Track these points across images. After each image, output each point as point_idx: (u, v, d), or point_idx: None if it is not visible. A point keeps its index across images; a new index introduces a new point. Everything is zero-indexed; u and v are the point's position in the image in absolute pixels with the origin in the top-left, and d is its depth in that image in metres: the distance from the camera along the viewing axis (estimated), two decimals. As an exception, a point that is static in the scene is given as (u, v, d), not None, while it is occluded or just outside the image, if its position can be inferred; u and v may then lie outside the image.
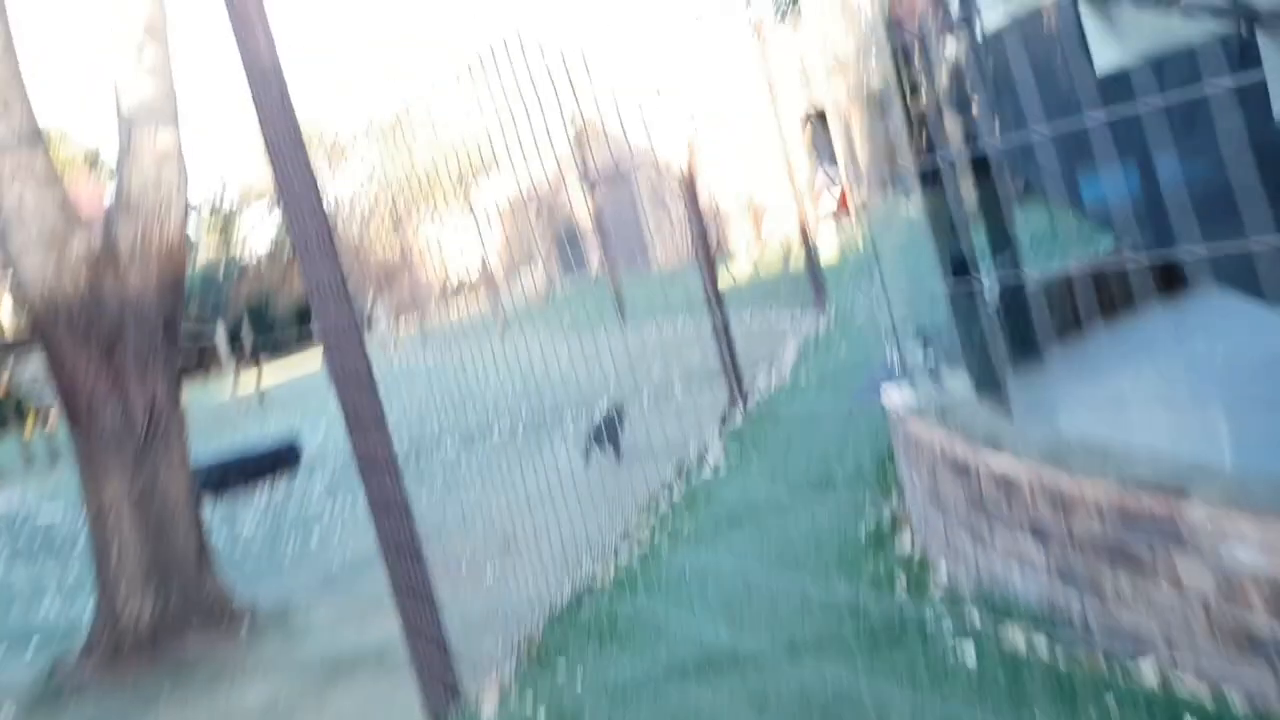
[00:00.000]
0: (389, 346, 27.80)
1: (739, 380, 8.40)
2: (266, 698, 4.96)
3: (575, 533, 5.84)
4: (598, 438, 8.02)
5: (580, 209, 29.72)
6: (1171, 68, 3.40)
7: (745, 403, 8.26)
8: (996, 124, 4.38)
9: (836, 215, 24.60)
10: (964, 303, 4.46)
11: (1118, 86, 3.38)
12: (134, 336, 5.96)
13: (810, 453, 6.50)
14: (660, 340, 12.55)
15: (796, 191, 13.80)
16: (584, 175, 22.01)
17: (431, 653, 3.95)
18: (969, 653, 3.20)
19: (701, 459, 7.02)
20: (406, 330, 28.92)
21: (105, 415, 5.83)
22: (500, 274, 28.53)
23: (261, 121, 3.61)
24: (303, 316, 33.54)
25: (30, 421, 22.75)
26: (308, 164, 3.56)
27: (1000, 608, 3.34)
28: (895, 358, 4.80)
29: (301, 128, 3.61)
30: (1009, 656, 3.11)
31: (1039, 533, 3.07)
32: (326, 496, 9.58)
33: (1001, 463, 3.20)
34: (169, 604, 5.79)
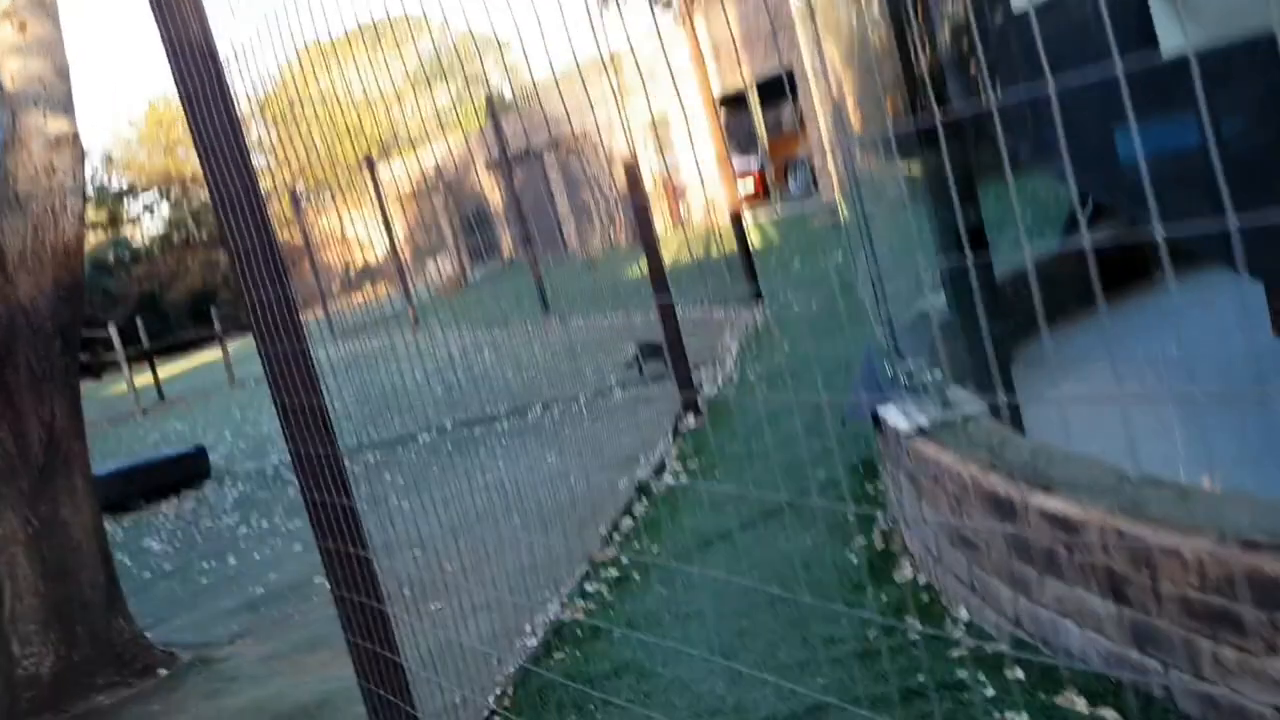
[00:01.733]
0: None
1: (689, 381, 7.96)
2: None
3: (534, 556, 5.36)
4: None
5: (492, 192, 29.04)
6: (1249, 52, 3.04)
7: (696, 406, 7.83)
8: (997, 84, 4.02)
9: (751, 200, 24.30)
10: (966, 297, 4.09)
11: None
12: (26, 350, 5.29)
13: (777, 465, 6.10)
14: (591, 335, 12.06)
15: (722, 173, 13.40)
16: (497, 156, 21.37)
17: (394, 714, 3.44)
18: (1022, 722, 2.82)
19: (660, 471, 6.56)
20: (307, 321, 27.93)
21: (-5, 441, 5.16)
22: (407, 261, 27.72)
23: (186, 96, 3.03)
24: (198, 309, 32.19)
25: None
26: (237, 130, 2.99)
27: (1048, 669, 2.95)
28: (887, 364, 4.41)
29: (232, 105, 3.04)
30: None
31: (1110, 587, 2.69)
32: (241, 511, 8.90)
33: (1057, 504, 2.81)
34: (74, 653, 5.15)
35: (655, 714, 3.47)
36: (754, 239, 18.68)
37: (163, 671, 5.33)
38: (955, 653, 3.28)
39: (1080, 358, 4.61)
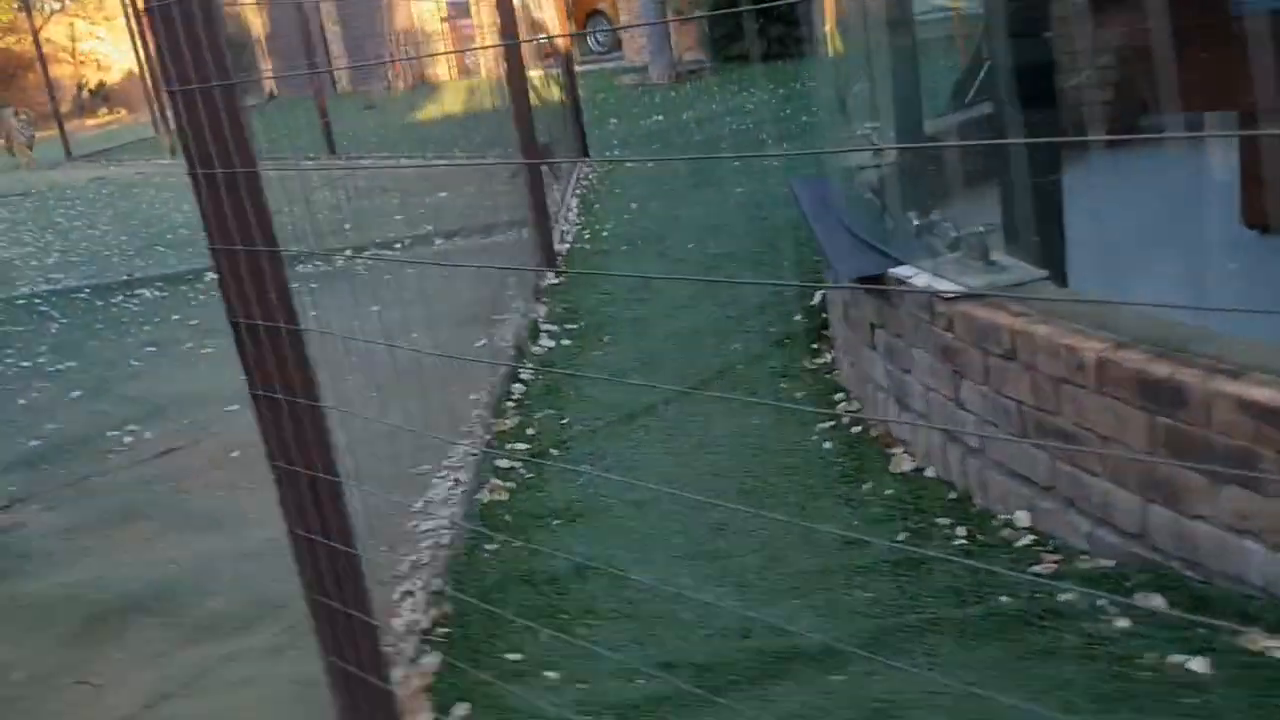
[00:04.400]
0: (27, 157, 23.62)
1: (548, 238, 7.08)
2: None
3: (405, 421, 4.45)
4: None
5: (255, 18, 26.36)
6: None
7: (554, 263, 6.98)
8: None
9: (547, 55, 23.01)
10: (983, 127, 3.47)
11: None
12: None
13: (674, 332, 5.40)
14: (406, 178, 10.84)
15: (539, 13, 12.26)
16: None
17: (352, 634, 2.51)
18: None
19: (535, 333, 5.71)
20: (39, 140, 24.70)
21: None
22: (151, 82, 24.84)
23: None
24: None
25: None
26: None
27: (1201, 598, 2.40)
28: (889, 217, 3.76)
29: None
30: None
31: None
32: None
33: (1264, 394, 2.23)
34: None
35: (653, 637, 2.75)
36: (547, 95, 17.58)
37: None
38: (1037, 568, 2.73)
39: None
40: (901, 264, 3.44)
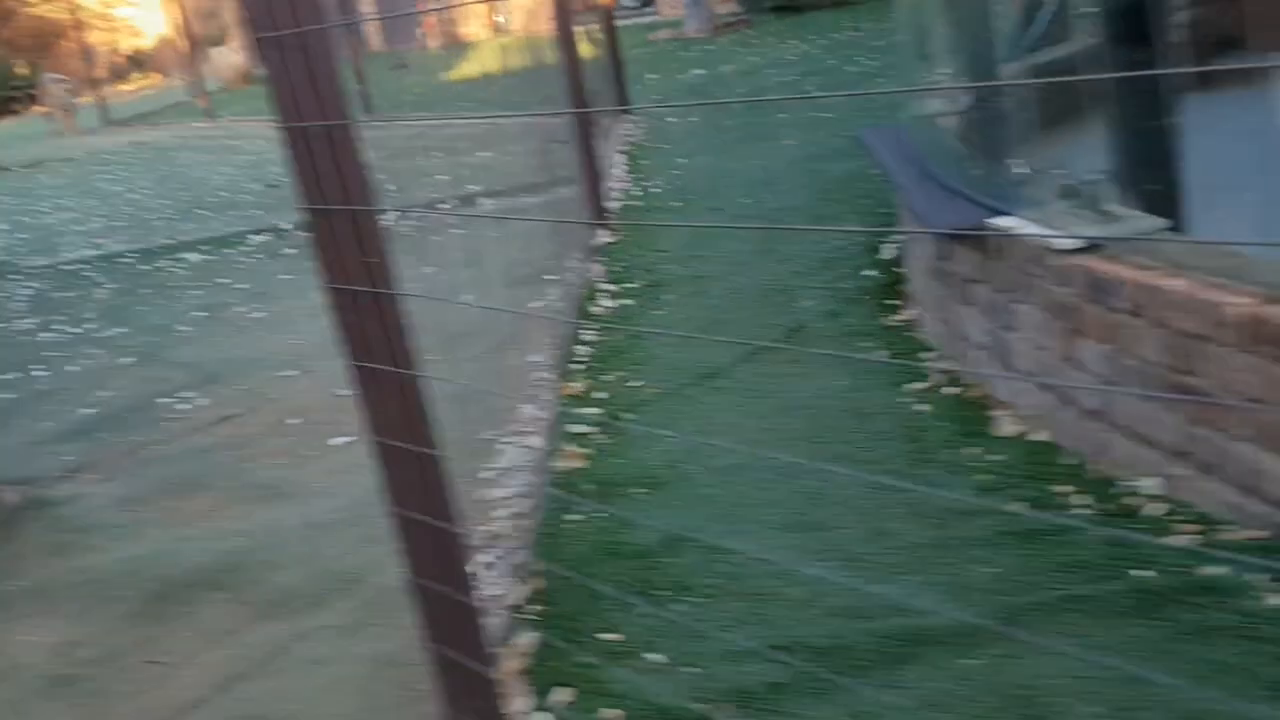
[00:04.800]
0: (69, 122, 23.56)
1: (598, 196, 6.87)
2: (58, 643, 3.19)
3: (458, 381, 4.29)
4: None
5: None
6: None
7: (606, 220, 6.77)
8: None
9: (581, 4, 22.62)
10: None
11: None
12: None
13: (739, 290, 5.20)
14: (445, 139, 10.65)
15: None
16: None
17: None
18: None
19: (592, 293, 5.53)
20: (81, 106, 24.65)
21: None
22: (187, 47, 24.68)
23: None
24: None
25: None
26: None
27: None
28: (978, 165, 3.54)
29: None
30: None
31: None
32: (39, 314, 7.28)
33: None
34: None
35: (761, 616, 2.58)
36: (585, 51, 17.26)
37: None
38: (1177, 540, 2.53)
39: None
40: (1004, 214, 3.23)
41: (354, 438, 4.28)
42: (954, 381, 3.65)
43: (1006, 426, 3.30)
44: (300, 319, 6.07)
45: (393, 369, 1.87)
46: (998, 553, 2.61)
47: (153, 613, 3.27)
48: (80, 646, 3.16)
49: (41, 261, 8.87)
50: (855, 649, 2.34)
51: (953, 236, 3.40)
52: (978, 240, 3.35)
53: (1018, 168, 3.27)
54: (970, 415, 3.43)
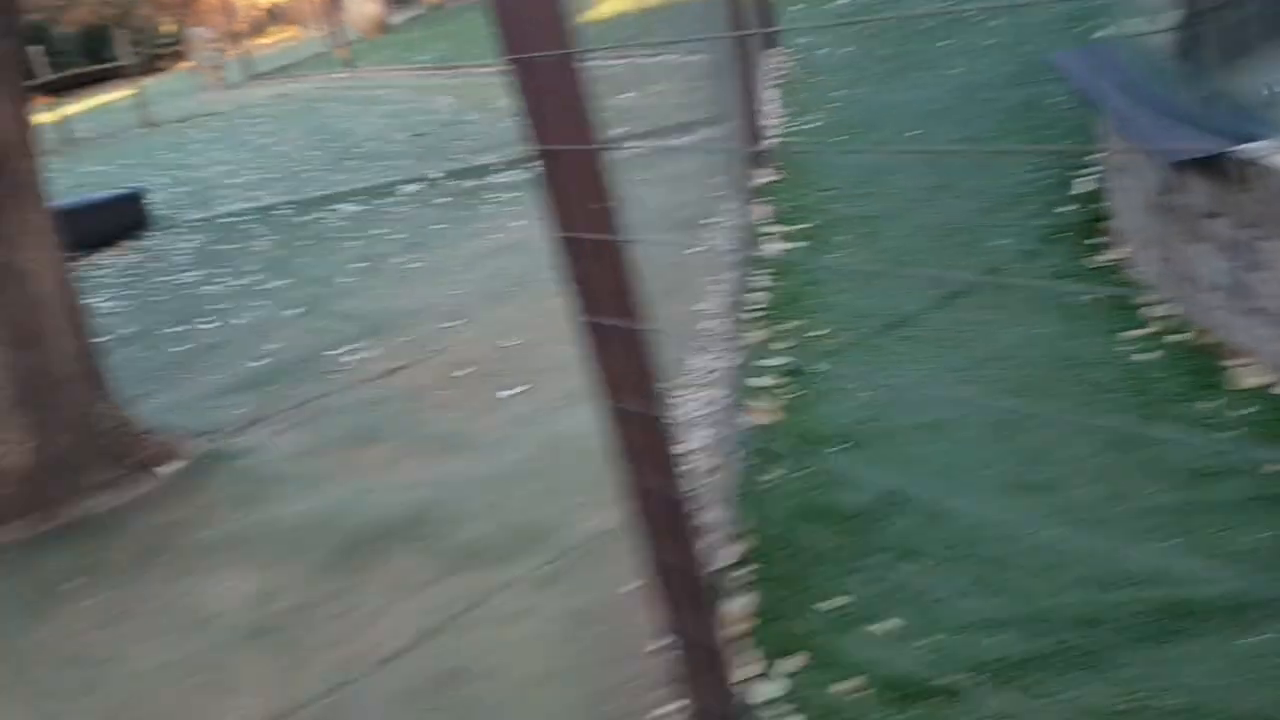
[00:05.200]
0: (217, 77, 24.18)
1: (757, 134, 6.62)
2: (253, 592, 3.19)
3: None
4: None
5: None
6: None
7: (762, 159, 6.53)
8: None
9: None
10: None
11: None
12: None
13: (918, 229, 4.92)
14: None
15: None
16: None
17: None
18: None
19: (756, 236, 5.31)
20: (225, 60, 25.25)
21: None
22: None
23: None
24: (91, 46, 28.80)
25: None
26: None
27: None
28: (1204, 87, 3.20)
29: None
30: None
31: None
32: (201, 267, 7.42)
33: None
34: (50, 441, 3.85)
35: (999, 583, 2.38)
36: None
37: (165, 469, 4.07)
38: None
39: None
40: (1253, 139, 2.90)
41: (521, 389, 4.21)
42: (1182, 327, 3.34)
43: (1249, 378, 3.00)
44: (456, 269, 6.02)
45: (624, 325, 1.72)
46: (1257, 518, 2.35)
47: (343, 564, 3.24)
48: (275, 597, 3.15)
49: (200, 215, 9.05)
50: (1112, 622, 2.13)
51: (1188, 165, 3.09)
52: (1217, 170, 3.03)
53: (1267, 88, 2.93)
54: (1204, 365, 3.13)
